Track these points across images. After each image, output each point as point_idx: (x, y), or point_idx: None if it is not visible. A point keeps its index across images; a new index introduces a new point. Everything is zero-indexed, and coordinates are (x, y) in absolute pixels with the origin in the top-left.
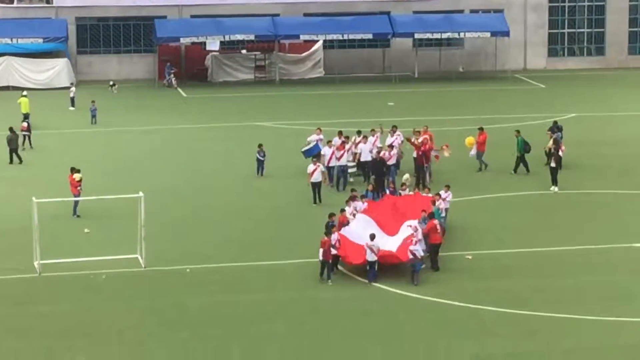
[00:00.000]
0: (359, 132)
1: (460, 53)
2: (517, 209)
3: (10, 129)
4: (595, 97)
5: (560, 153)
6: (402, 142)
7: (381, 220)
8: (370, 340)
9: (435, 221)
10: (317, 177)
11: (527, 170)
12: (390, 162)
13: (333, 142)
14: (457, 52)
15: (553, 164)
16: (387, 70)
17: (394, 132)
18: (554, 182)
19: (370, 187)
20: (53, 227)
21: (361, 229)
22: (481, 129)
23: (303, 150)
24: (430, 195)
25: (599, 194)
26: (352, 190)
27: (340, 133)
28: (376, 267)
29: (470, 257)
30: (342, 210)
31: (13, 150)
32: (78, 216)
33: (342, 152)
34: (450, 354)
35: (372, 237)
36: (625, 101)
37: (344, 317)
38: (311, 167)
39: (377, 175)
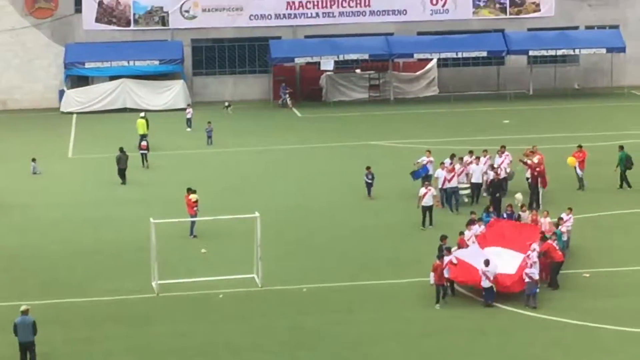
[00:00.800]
0: (470, 152)
1: (575, 70)
2: (633, 227)
3: (121, 149)
4: None
5: None
6: (511, 162)
7: (505, 236)
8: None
9: (550, 242)
10: (427, 200)
11: (629, 186)
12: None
13: (446, 165)
14: (572, 68)
15: None
16: (502, 88)
17: (503, 152)
18: None
19: (491, 208)
20: (170, 247)
21: (477, 254)
22: (580, 146)
23: (411, 172)
24: (549, 219)
25: None
26: (472, 213)
27: (452, 156)
28: (494, 290)
29: (587, 274)
30: (461, 233)
31: (122, 170)
32: (195, 236)
33: (452, 174)
34: None
35: (487, 263)
36: None
37: (459, 337)
38: (422, 190)
39: (495, 195)
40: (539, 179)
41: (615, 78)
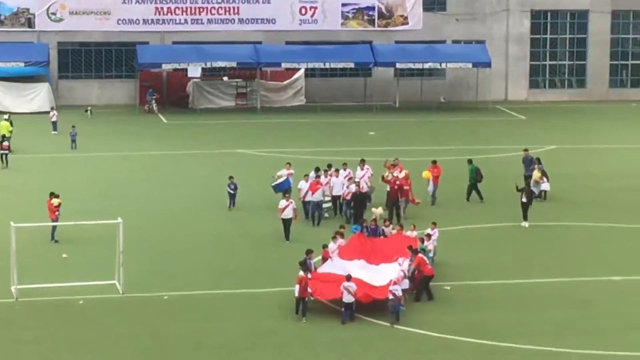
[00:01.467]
0: (329, 166)
1: (441, 83)
2: (493, 242)
3: None
4: (576, 130)
5: (533, 188)
6: (372, 175)
7: (369, 254)
8: None
9: (421, 255)
10: (288, 213)
11: (481, 198)
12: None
13: (309, 177)
14: (438, 82)
15: (524, 199)
16: (369, 100)
17: (363, 165)
18: (525, 217)
19: (365, 223)
20: (31, 251)
21: (339, 267)
22: (434, 162)
23: (273, 185)
24: (415, 233)
25: (577, 226)
26: (341, 227)
27: (317, 169)
28: (353, 307)
29: (449, 288)
30: (325, 247)
31: None
32: (56, 241)
33: (317, 187)
34: None
35: (349, 278)
36: (606, 134)
37: (320, 347)
38: (283, 203)
39: (357, 209)
40: (400, 193)
41: (481, 92)
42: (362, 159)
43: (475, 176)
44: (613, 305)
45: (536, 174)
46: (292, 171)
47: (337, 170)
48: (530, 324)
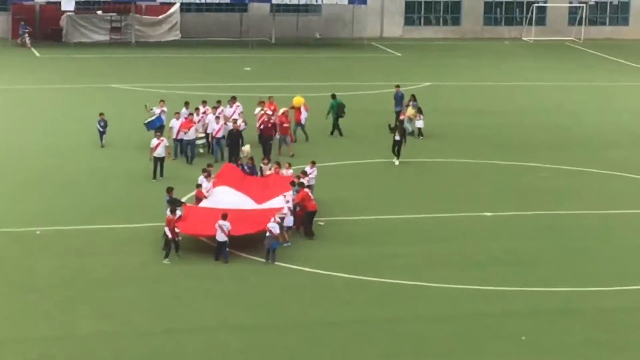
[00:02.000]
0: (204, 102)
1: (317, 19)
2: (367, 177)
3: None
4: (450, 67)
5: (407, 125)
6: (242, 112)
7: (249, 189)
8: (223, 302)
9: (307, 190)
10: (160, 152)
11: (340, 134)
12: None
13: (181, 114)
14: (314, 18)
15: (397, 137)
16: (244, 35)
17: (233, 103)
18: (397, 155)
19: (240, 161)
20: None
21: (215, 204)
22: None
23: (146, 122)
24: (291, 171)
25: (450, 163)
26: (209, 165)
27: (187, 104)
28: (226, 246)
29: (322, 223)
30: (199, 186)
31: None
32: None
33: (191, 125)
34: (301, 319)
35: (224, 216)
36: (479, 71)
37: (194, 281)
38: (155, 141)
39: (232, 147)
40: (280, 130)
41: (356, 29)
42: (233, 96)
43: (337, 111)
44: (483, 240)
45: (410, 111)
46: (165, 109)
47: (214, 108)
48: (401, 257)
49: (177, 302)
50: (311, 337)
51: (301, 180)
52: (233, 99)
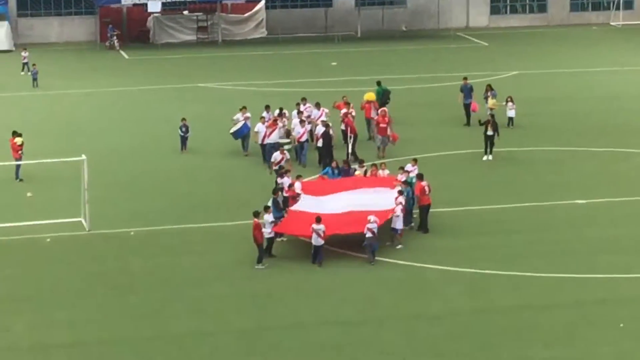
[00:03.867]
0: (281, 109)
1: (403, 12)
2: (456, 169)
3: None
4: (537, 55)
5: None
6: (328, 114)
7: (354, 185)
8: (316, 298)
9: (424, 182)
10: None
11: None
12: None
13: (266, 118)
14: (399, 11)
15: (490, 132)
16: (330, 30)
17: (319, 107)
18: (489, 151)
19: (334, 164)
20: None
21: (312, 205)
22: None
23: (232, 131)
24: (387, 172)
25: (541, 151)
26: (281, 168)
27: (267, 107)
28: (321, 250)
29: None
30: (290, 186)
31: None
32: (21, 180)
33: (272, 128)
34: (395, 312)
35: (318, 220)
36: (567, 58)
37: (287, 277)
38: (278, 156)
39: (327, 150)
40: (377, 130)
41: (442, 20)
42: (317, 102)
43: (383, 98)
44: (576, 228)
45: (491, 102)
46: (248, 114)
47: (297, 106)
48: (494, 247)
49: (270, 299)
50: (407, 330)
51: (409, 176)
52: (317, 104)
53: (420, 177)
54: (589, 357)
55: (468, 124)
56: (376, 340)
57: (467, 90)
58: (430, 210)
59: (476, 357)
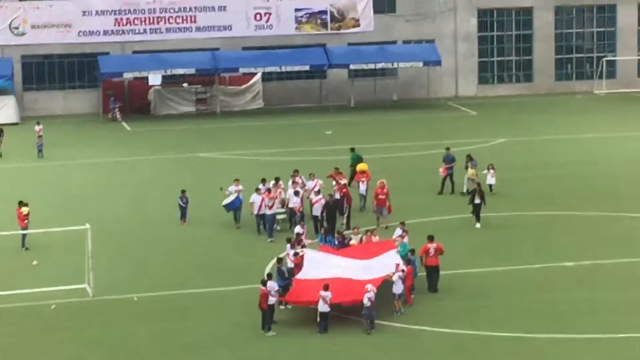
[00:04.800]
0: (277, 179)
1: (394, 82)
2: (446, 233)
3: None
4: (524, 123)
5: (466, 185)
6: (322, 185)
7: (349, 254)
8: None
9: (430, 245)
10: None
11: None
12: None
13: (262, 190)
14: (391, 82)
15: (477, 200)
16: (325, 101)
17: (313, 177)
18: (477, 218)
19: (322, 231)
20: (1, 259)
21: (314, 265)
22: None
23: (224, 204)
24: (377, 238)
25: (528, 216)
26: (297, 235)
27: (263, 181)
28: (328, 317)
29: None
30: (296, 254)
31: None
32: (27, 249)
33: (273, 200)
34: None
35: (326, 287)
36: (553, 125)
37: (290, 338)
38: (299, 229)
39: (331, 218)
40: (377, 202)
41: (432, 90)
42: (311, 172)
43: (355, 163)
44: (567, 291)
45: (470, 171)
46: (241, 187)
47: (293, 177)
48: (488, 308)
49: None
50: None
51: (403, 241)
52: (312, 175)
53: (430, 238)
54: None
55: (441, 192)
56: None
57: (449, 160)
58: (422, 273)
59: None
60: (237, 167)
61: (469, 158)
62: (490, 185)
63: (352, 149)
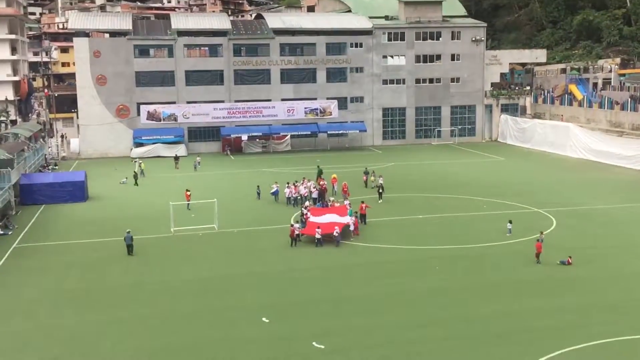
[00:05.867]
0: (295, 181)
1: (347, 138)
2: (369, 203)
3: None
4: (403, 157)
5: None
6: (312, 183)
7: (336, 211)
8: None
9: (363, 205)
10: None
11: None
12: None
13: (290, 186)
14: (345, 138)
15: (381, 190)
16: (316, 147)
17: (303, 182)
18: (380, 197)
19: (318, 202)
20: (178, 214)
21: (314, 218)
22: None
23: (271, 192)
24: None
25: (398, 196)
26: (305, 207)
27: (288, 183)
28: (322, 240)
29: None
30: (306, 214)
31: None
32: (189, 209)
33: (295, 190)
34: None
35: (318, 227)
36: (415, 158)
37: (305, 249)
38: (286, 191)
39: (320, 196)
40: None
41: (362, 142)
42: (304, 177)
43: (319, 173)
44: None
45: (371, 178)
46: (278, 185)
47: (300, 184)
48: (392, 235)
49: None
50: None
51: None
52: (303, 179)
53: (362, 202)
54: None
55: (366, 186)
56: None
57: (366, 172)
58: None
59: None
60: (278, 175)
61: (372, 171)
62: (381, 184)
63: (318, 166)
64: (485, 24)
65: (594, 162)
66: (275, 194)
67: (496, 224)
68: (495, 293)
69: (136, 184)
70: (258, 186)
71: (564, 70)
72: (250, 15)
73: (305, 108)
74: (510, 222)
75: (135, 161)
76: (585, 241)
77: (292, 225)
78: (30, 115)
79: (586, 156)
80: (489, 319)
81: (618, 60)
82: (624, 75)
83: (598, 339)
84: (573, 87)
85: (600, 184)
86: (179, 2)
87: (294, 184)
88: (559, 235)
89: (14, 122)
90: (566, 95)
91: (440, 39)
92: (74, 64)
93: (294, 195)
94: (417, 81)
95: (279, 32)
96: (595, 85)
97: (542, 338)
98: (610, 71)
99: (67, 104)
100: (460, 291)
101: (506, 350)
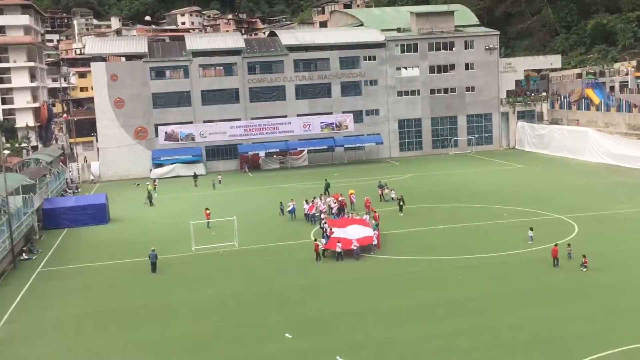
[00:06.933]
0: (314, 198)
1: (363, 152)
2: (389, 214)
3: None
4: (421, 167)
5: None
6: (331, 199)
7: (349, 223)
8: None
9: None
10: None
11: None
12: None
13: (308, 203)
14: (362, 151)
15: (401, 203)
16: (334, 161)
17: (327, 197)
18: (401, 211)
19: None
20: (198, 232)
21: (341, 232)
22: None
23: (288, 210)
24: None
25: (419, 207)
26: (324, 222)
27: (306, 200)
28: (342, 254)
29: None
30: (330, 230)
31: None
32: (209, 227)
33: (312, 207)
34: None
35: (339, 243)
36: (433, 168)
37: (327, 264)
38: (323, 242)
39: (340, 211)
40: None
41: (379, 154)
42: (321, 194)
43: (326, 187)
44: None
45: (386, 191)
46: (295, 203)
47: (318, 200)
48: (415, 248)
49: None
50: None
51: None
52: (321, 196)
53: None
54: None
55: (381, 200)
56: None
57: (381, 186)
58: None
59: None
60: (296, 191)
61: (385, 184)
62: (392, 197)
63: (326, 180)
64: (498, 32)
65: (614, 166)
66: (292, 211)
67: (517, 232)
68: (519, 301)
69: (151, 204)
70: (281, 202)
71: (579, 75)
72: (264, 33)
73: (321, 123)
74: (532, 229)
75: (148, 183)
76: (609, 246)
77: (315, 240)
78: (50, 140)
79: (606, 160)
80: (514, 328)
81: (634, 62)
82: None
83: (624, 345)
84: (590, 92)
85: (622, 187)
86: (192, 23)
87: (312, 201)
88: (582, 241)
89: (35, 148)
90: (583, 100)
91: (454, 48)
92: (92, 88)
93: (312, 212)
94: (432, 91)
95: (293, 48)
96: (612, 88)
97: (569, 346)
98: (627, 74)
99: (86, 127)
100: (484, 301)
101: None
